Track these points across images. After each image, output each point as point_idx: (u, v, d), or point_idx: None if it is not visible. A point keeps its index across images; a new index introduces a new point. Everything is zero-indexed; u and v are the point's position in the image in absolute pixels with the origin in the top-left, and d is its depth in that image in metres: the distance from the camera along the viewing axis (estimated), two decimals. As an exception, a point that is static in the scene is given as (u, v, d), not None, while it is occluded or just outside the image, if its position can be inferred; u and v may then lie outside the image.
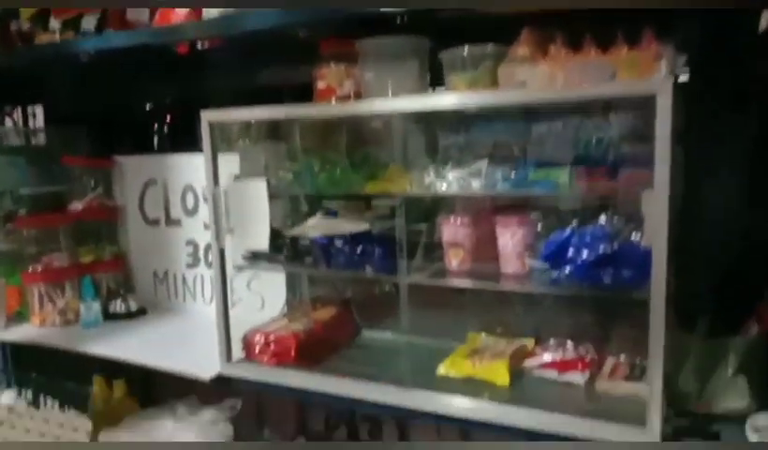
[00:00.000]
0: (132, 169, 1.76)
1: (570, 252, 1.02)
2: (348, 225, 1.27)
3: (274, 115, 1.24)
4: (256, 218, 1.18)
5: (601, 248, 0.99)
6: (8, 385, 2.13)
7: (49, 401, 2.04)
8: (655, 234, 0.88)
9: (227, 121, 1.27)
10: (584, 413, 1.00)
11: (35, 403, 2.04)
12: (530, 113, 1.10)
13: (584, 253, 1.01)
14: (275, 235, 1.23)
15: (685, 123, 0.90)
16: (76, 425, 1.82)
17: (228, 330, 1.28)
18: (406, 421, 1.47)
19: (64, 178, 1.78)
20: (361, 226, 1.25)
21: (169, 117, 1.79)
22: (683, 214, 0.93)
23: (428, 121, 1.23)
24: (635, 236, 0.98)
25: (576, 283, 1.01)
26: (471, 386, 1.12)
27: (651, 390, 0.91)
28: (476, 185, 1.05)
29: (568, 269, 1.02)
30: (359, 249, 1.23)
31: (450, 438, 1.33)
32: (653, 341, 0.90)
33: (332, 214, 1.32)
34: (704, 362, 1.04)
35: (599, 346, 1.18)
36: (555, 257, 1.03)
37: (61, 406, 1.96)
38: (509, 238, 1.10)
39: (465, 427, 1.30)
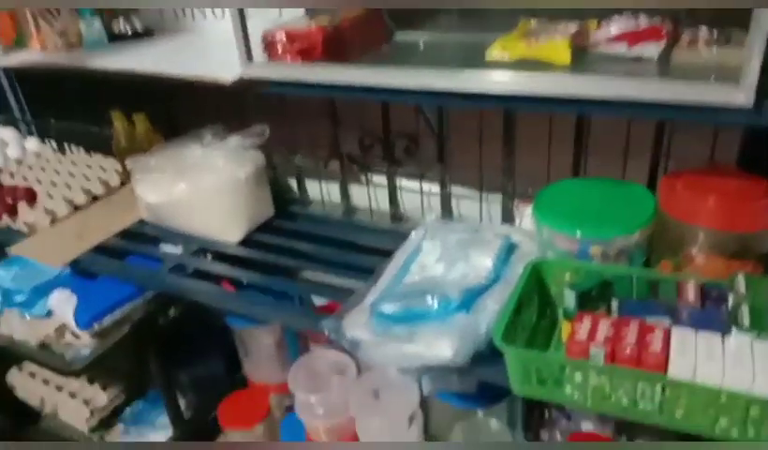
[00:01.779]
0: None
1: None
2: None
3: None
4: None
5: None
6: (30, 134, 2.10)
7: (74, 149, 2.02)
8: None
9: None
10: (662, 78, 0.87)
11: (60, 150, 2.02)
12: None
13: None
14: None
15: None
16: (104, 165, 1.81)
17: (245, 24, 1.13)
18: (444, 136, 1.37)
19: None
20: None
21: None
22: None
23: None
24: None
25: None
26: (525, 67, 0.98)
27: (753, 30, 0.75)
28: None
29: None
30: None
31: (495, 122, 1.22)
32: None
33: None
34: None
35: (676, 19, 1.01)
36: None
37: (87, 152, 1.94)
38: None
39: (512, 108, 1.18)
